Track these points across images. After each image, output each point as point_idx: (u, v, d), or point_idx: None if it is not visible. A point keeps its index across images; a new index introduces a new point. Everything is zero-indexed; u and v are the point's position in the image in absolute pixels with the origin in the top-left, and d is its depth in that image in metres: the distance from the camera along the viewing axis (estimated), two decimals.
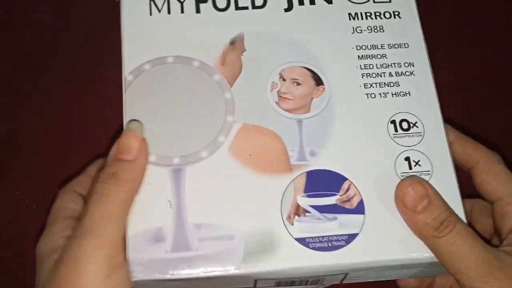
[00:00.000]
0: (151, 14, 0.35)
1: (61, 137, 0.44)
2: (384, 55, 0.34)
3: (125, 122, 0.32)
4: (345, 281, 0.32)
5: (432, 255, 0.29)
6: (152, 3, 0.35)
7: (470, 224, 0.31)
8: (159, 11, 0.35)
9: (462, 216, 0.30)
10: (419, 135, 0.32)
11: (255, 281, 0.30)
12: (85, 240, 0.27)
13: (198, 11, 0.35)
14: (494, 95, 0.48)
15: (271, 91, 0.33)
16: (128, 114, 0.32)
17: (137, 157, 0.30)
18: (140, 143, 0.30)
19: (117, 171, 0.29)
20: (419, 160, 0.32)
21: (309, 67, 0.34)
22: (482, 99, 0.48)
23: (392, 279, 0.33)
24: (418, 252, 0.30)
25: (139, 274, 0.29)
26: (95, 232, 0.27)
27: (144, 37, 0.34)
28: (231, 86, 0.33)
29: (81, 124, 0.44)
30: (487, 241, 0.30)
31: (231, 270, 0.29)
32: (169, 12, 0.35)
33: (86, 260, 0.27)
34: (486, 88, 0.49)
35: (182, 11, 0.35)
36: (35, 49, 0.47)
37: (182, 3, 0.35)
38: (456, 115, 0.36)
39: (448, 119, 0.34)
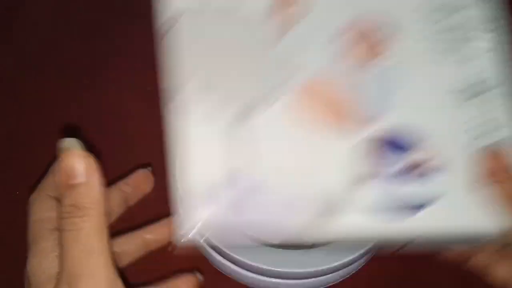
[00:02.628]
0: None
1: (61, 137, 0.43)
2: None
3: (173, 74, 0.28)
4: None
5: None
6: None
7: None
8: None
9: None
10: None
11: None
12: (77, 284, 0.24)
13: None
14: None
15: (337, 40, 0.30)
16: (178, 57, 0.28)
17: (88, 176, 0.25)
18: (84, 160, 0.26)
19: (75, 201, 0.25)
20: None
21: (380, 17, 0.30)
22: None
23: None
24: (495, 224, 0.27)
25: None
26: (83, 274, 0.24)
27: None
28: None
29: (81, 124, 0.43)
30: None
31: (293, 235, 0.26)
32: None
33: None
34: None
35: None
36: (35, 49, 0.47)
37: None
38: None
39: None
